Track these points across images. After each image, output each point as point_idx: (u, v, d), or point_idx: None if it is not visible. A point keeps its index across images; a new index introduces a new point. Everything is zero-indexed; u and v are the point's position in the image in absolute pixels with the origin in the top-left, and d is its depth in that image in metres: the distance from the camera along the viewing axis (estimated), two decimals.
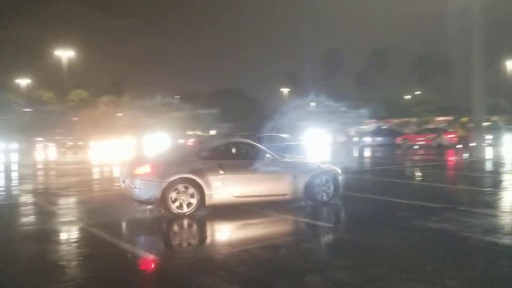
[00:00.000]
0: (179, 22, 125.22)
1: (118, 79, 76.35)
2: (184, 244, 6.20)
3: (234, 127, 57.92)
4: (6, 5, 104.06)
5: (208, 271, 4.69)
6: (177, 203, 7.26)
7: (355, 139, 39.18)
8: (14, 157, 30.94)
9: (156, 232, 6.89)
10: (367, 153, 28.75)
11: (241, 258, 5.07)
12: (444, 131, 31.93)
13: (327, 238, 6.52)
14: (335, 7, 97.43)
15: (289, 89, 69.56)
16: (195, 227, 7.03)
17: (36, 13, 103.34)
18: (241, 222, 7.22)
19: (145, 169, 7.45)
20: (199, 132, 70.58)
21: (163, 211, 7.39)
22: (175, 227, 6.97)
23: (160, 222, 7.23)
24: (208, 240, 6.43)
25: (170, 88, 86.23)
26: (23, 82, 60.78)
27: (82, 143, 44.57)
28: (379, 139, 36.43)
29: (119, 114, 71.47)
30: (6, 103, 60.04)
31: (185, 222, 7.12)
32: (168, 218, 7.28)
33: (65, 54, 50.08)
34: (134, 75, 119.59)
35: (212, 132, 68.53)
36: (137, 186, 7.41)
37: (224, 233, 6.88)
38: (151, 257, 5.32)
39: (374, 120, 50.61)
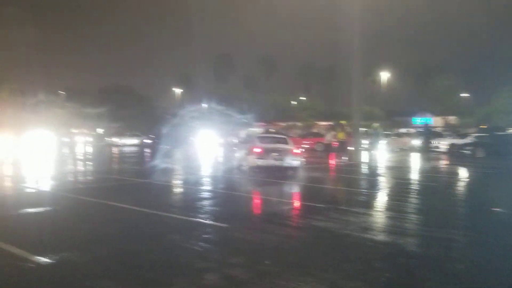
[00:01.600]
0: (66, 12, 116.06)
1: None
2: None
3: (124, 126, 55.61)
4: None
5: None
6: None
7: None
8: None
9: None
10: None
11: None
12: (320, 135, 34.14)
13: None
14: (229, 12, 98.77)
15: (182, 90, 68.91)
16: None
17: None
18: None
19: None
20: (86, 130, 66.45)
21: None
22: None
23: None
24: None
25: (54, 83, 79.69)
26: None
27: None
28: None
29: None
30: None
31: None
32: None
33: None
34: (13, 67, 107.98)
35: (100, 131, 65.00)
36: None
37: None
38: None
39: (263, 123, 52.53)
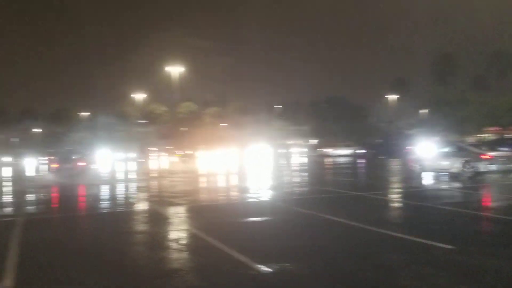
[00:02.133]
0: (279, 34, 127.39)
1: (223, 91, 79.76)
2: None
3: (336, 137, 56.86)
4: (122, 36, 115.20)
5: None
6: None
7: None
8: (132, 166, 33.77)
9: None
10: None
11: None
12: None
13: None
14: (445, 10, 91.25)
15: (397, 96, 66.29)
16: None
17: (147, 41, 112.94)
18: None
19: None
20: (300, 142, 70.68)
21: None
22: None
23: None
24: None
25: (271, 98, 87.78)
26: (139, 96, 66.29)
27: (191, 152, 47.09)
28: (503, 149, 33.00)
29: (223, 125, 74.66)
30: (125, 116, 66.13)
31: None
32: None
33: (175, 70, 53.66)
34: (237, 87, 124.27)
35: (313, 141, 68.15)
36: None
37: None
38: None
39: (497, 128, 46.05)
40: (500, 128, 44.37)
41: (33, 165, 37.68)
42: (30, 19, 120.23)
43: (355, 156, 42.01)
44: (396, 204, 11.43)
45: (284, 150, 51.85)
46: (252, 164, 31.56)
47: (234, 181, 19.44)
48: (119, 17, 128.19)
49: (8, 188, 19.06)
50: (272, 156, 44.19)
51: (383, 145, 39.97)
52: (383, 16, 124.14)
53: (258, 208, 10.82)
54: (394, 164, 26.31)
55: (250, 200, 12.38)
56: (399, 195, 13.08)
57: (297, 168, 28.56)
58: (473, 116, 41.76)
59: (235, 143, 56.25)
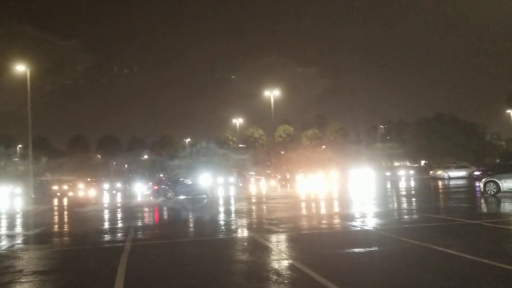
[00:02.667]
0: (381, 51, 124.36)
1: (320, 113, 79.37)
2: None
3: (449, 157, 53.12)
4: (221, 61, 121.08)
5: None
6: None
7: None
8: (231, 191, 34.76)
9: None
10: None
11: None
12: None
13: None
14: None
15: None
16: None
17: (245, 66, 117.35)
18: None
19: None
20: (407, 163, 67.32)
21: None
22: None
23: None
24: None
25: (374, 119, 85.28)
26: (237, 121, 68.67)
27: (289, 176, 47.27)
28: None
29: (322, 147, 74.02)
30: (224, 141, 68.84)
31: None
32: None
33: (271, 94, 54.78)
34: (337, 108, 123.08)
35: (423, 163, 64.43)
36: None
37: None
38: None
39: None
40: None
41: (141, 190, 40.61)
42: (129, 48, 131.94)
43: (471, 178, 38.76)
44: None
45: (389, 173, 49.55)
46: (354, 189, 30.65)
47: (335, 207, 18.97)
48: (217, 43, 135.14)
49: (117, 214, 20.64)
50: (376, 180, 42.50)
51: (502, 166, 36.47)
52: (497, 23, 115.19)
53: (362, 237, 10.37)
54: None
55: (353, 228, 11.91)
56: None
57: (404, 192, 27.11)
58: None
59: (335, 166, 55.36)
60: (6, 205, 27.63)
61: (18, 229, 15.54)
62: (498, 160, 41.51)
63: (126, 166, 72.48)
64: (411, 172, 51.82)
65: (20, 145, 62.88)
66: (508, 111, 61.79)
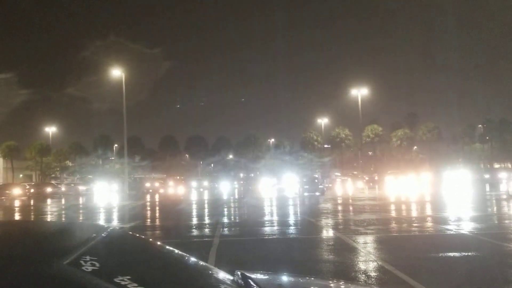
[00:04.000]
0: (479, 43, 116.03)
1: (412, 111, 75.96)
2: None
3: None
4: (306, 60, 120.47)
5: None
6: None
7: None
8: (317, 192, 34.58)
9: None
10: None
11: None
12: None
13: None
14: None
15: None
16: None
17: (332, 64, 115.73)
18: None
19: None
20: (510, 165, 62.51)
21: None
22: None
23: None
24: None
25: (471, 117, 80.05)
26: (323, 121, 68.07)
27: (377, 177, 45.97)
28: None
29: (414, 148, 70.94)
30: (309, 142, 68.63)
31: None
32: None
33: (358, 93, 53.58)
34: (429, 106, 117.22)
35: None
36: None
37: None
38: None
39: None
40: None
41: (226, 188, 41.92)
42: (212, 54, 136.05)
43: None
44: None
45: (488, 176, 46.23)
46: (447, 192, 29.07)
47: (426, 209, 18.18)
48: (303, 45, 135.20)
49: (204, 210, 21.58)
50: (473, 183, 39.88)
51: None
52: None
53: (457, 241, 9.89)
54: None
55: (447, 232, 11.38)
56: None
57: (505, 196, 25.19)
58: None
59: (428, 168, 52.83)
60: (104, 200, 30.06)
61: (115, 222, 16.86)
62: None
63: (212, 165, 75.13)
64: None
65: (116, 145, 67.78)
66: None
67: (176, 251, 2.52)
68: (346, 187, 41.63)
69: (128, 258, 2.17)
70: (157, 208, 24.44)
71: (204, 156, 72.72)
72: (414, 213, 17.22)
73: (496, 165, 64.02)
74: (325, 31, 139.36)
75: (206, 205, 24.60)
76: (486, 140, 67.95)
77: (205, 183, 49.28)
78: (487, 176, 46.17)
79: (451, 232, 11.27)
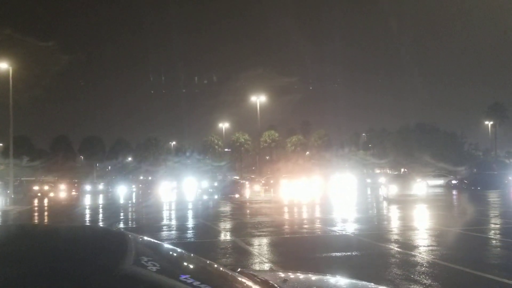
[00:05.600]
0: (365, 61, 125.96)
1: (305, 119, 79.95)
2: None
3: (427, 166, 53.93)
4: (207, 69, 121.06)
5: None
6: None
7: None
8: (215, 195, 34.74)
9: None
10: None
11: None
12: None
13: None
14: None
15: (492, 122, 62.00)
16: None
17: (233, 73, 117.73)
18: None
19: None
20: (388, 171, 68.16)
21: None
22: None
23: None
24: None
25: (357, 126, 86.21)
26: (224, 126, 68.72)
27: (273, 181, 47.40)
28: None
29: (307, 153, 74.48)
30: (209, 146, 68.77)
31: None
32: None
33: (257, 99, 54.98)
34: (320, 114, 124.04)
35: (402, 171, 65.29)
36: None
37: None
38: None
39: None
40: None
41: (123, 192, 40.33)
42: (114, 51, 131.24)
43: (449, 186, 39.50)
44: (496, 243, 10.53)
45: (370, 180, 50.16)
46: (335, 195, 30.96)
47: (316, 212, 19.20)
48: (207, 50, 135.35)
49: (98, 215, 20.51)
50: (357, 186, 42.96)
51: (478, 175, 37.33)
52: (477, 38, 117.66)
53: (340, 242, 10.56)
54: (491, 197, 24.31)
55: (332, 233, 12.11)
56: (496, 232, 12.02)
57: (381, 199, 27.47)
58: None
59: (319, 172, 55.71)
60: None
61: None
62: (475, 170, 42.32)
63: (109, 168, 71.73)
64: (392, 180, 52.24)
65: (1, 144, 61.70)
66: (486, 122, 63.21)
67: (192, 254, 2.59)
68: (244, 190, 42.40)
69: (171, 258, 2.29)
70: (46, 213, 22.69)
71: (101, 158, 69.23)
72: (304, 215, 18.08)
73: (377, 171, 69.49)
74: (229, 35, 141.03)
75: (100, 210, 23.42)
76: (369, 147, 73.66)
77: (101, 186, 46.83)
78: (369, 180, 49.99)
79: (336, 234, 12.01)
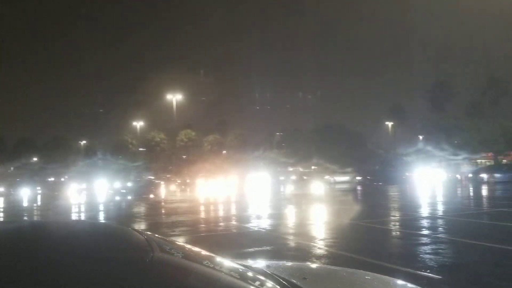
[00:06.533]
0: (278, 63, 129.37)
1: (222, 118, 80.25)
2: None
3: (335, 163, 56.86)
4: (121, 65, 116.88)
5: None
6: None
7: (470, 175, 36.26)
8: (128, 195, 33.70)
9: None
10: (484, 191, 26.30)
11: None
12: None
13: None
14: (444, 37, 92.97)
15: (393, 123, 67.03)
16: None
17: (148, 71, 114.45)
18: None
19: None
20: (300, 169, 70.59)
21: None
22: None
23: None
24: None
25: (271, 125, 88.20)
26: (139, 124, 66.71)
27: (189, 180, 47.06)
28: (498, 175, 33.30)
29: (223, 152, 74.76)
30: (124, 145, 66.34)
31: None
32: None
33: (174, 98, 54.17)
34: (237, 114, 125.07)
35: (313, 169, 68.12)
36: None
37: None
38: None
39: (491, 154, 46.32)
40: (495, 154, 44.69)
41: (27, 195, 37.60)
42: (24, 47, 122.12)
43: (354, 183, 41.96)
44: (386, 233, 11.44)
45: (283, 178, 51.75)
46: (250, 192, 31.49)
47: (231, 209, 19.42)
48: (121, 47, 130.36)
49: None
50: (271, 184, 44.10)
51: (380, 171, 40.13)
52: (380, 43, 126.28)
53: (254, 237, 10.81)
54: (391, 191, 26.31)
55: (246, 230, 12.36)
56: (394, 224, 13.07)
57: (291, 195, 28.55)
58: (468, 143, 42.09)
59: (235, 171, 56.23)
60: None
61: None
62: (377, 167, 45.43)
63: (11, 169, 66.27)
64: (304, 177, 54.35)
65: None
66: (387, 123, 68.13)
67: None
68: (160, 190, 41.54)
69: (184, 248, 2.48)
70: None
71: (3, 159, 63.76)
72: (220, 213, 18.21)
73: (290, 169, 71.78)
74: (146, 33, 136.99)
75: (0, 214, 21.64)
76: (283, 146, 75.85)
77: (1, 189, 43.15)
78: (282, 178, 51.54)
79: (251, 230, 12.28)
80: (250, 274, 2.27)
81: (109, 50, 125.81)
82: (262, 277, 2.26)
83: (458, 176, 35.67)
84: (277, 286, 2.17)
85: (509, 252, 7.96)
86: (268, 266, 2.90)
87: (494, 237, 9.74)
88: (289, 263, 3.63)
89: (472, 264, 7.26)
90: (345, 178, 44.88)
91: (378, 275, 2.97)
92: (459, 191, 25.85)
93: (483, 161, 47.71)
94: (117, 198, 30.43)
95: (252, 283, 2.03)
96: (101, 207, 23.28)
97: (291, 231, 11.63)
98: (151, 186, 36.66)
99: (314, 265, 3.58)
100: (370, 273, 2.96)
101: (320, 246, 9.06)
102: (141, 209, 21.53)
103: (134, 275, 1.68)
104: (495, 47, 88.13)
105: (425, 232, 10.84)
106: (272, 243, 9.86)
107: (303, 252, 8.61)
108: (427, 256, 7.99)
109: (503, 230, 10.96)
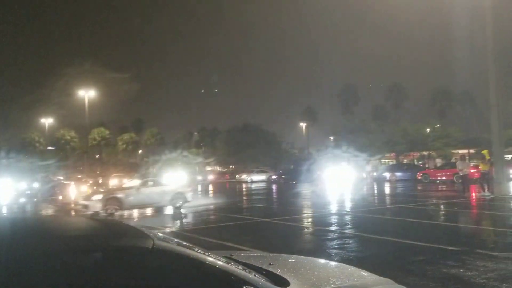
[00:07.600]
0: (196, 61, 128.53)
1: (139, 117, 77.78)
2: None
3: (251, 162, 57.73)
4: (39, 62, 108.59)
5: None
6: None
7: (374, 174, 38.73)
8: (33, 197, 31.29)
9: None
10: (387, 189, 28.24)
11: None
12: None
13: None
14: (354, 43, 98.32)
15: (306, 124, 69.63)
16: None
17: (57, 69, 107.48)
18: None
19: None
20: (218, 168, 70.64)
21: None
22: None
23: None
24: None
25: (189, 125, 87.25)
26: (46, 122, 62.34)
27: (102, 181, 44.88)
28: (398, 174, 35.97)
29: (139, 152, 72.47)
30: (29, 143, 61.62)
31: None
32: None
33: (86, 94, 51.39)
34: (153, 112, 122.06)
35: (231, 168, 68.58)
36: None
37: None
38: None
39: (393, 154, 49.94)
40: (397, 154, 48.31)
41: None
42: None
43: (269, 181, 42.92)
44: (298, 229, 11.81)
45: (201, 177, 51.42)
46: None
47: (144, 210, 18.86)
48: (29, 39, 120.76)
49: None
50: (190, 183, 43.55)
51: (294, 170, 41.38)
52: (293, 46, 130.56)
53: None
54: (304, 189, 27.21)
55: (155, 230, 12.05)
56: (306, 221, 13.52)
57: (212, 194, 28.47)
58: (373, 143, 44.93)
59: (151, 170, 54.62)
60: None
61: None
62: (291, 166, 46.81)
63: None
64: (223, 176, 54.58)
65: None
66: (301, 124, 70.55)
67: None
68: (70, 191, 39.13)
69: (175, 238, 3.02)
70: None
71: None
72: (131, 212, 17.59)
73: (208, 168, 71.57)
74: (58, 27, 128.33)
75: None
76: (201, 146, 75.40)
77: None
78: (199, 177, 51.19)
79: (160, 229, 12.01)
80: (226, 259, 2.80)
81: (15, 40, 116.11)
82: (235, 263, 2.78)
83: (364, 175, 37.87)
84: (246, 268, 2.63)
85: (407, 245, 8.57)
86: (242, 256, 3.45)
87: (394, 232, 10.44)
88: (259, 253, 4.37)
89: (374, 256, 7.71)
90: (262, 177, 45.87)
91: (339, 264, 3.90)
92: (364, 188, 27.43)
93: (386, 161, 51.25)
94: (22, 200, 28.11)
95: (235, 265, 2.57)
96: (3, 210, 21.38)
97: (202, 229, 11.54)
98: (59, 187, 34.32)
99: (283, 255, 4.16)
100: (332, 262, 3.86)
101: (231, 245, 9.06)
102: (48, 211, 20.12)
103: (141, 259, 2.08)
104: (403, 54, 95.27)
105: (333, 228, 11.33)
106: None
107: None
108: (334, 250, 8.36)
109: (402, 225, 11.80)
